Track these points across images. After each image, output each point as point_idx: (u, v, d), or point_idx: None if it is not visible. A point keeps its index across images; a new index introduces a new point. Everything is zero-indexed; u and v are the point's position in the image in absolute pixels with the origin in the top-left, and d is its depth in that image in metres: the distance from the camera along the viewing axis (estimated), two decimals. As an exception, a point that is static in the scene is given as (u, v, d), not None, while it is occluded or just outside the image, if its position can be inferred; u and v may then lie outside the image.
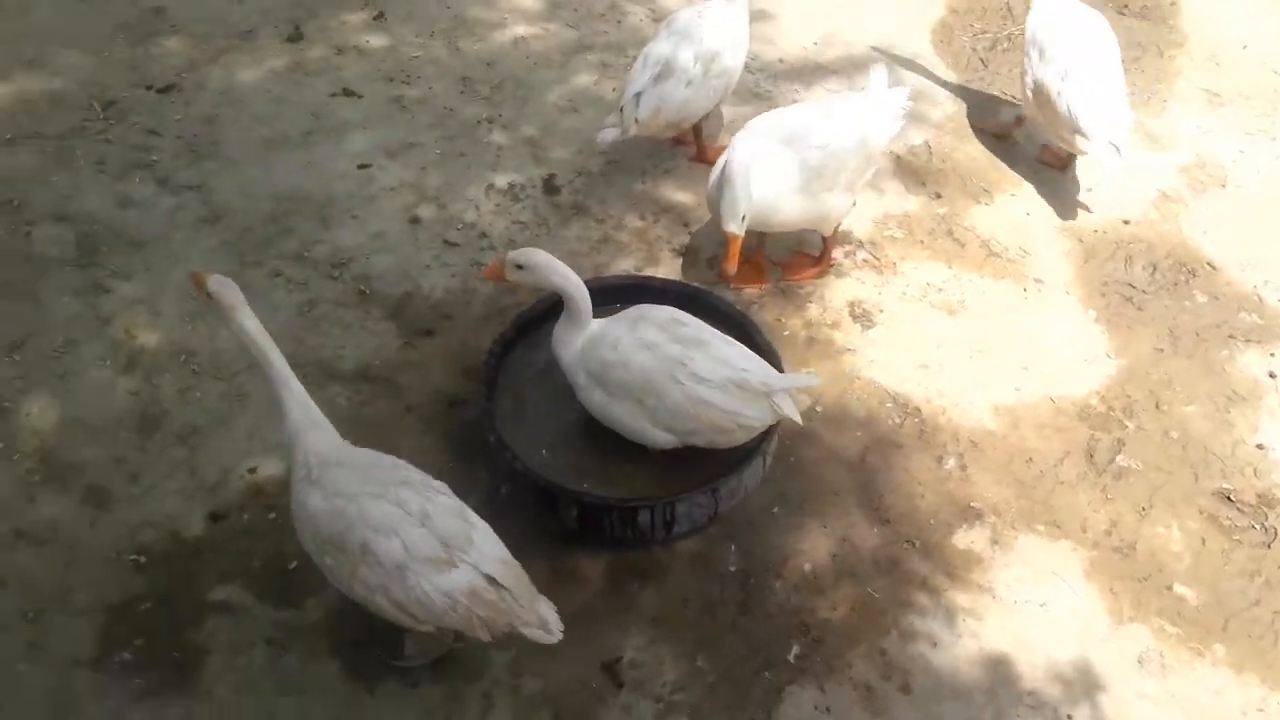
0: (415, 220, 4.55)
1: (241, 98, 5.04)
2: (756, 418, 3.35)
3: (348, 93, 5.10)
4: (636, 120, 4.36)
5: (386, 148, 4.86)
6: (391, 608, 2.89)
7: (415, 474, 3.01)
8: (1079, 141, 4.50)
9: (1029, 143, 5.08)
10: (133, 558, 3.46)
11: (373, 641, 3.26)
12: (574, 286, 3.42)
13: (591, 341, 3.45)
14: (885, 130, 4.07)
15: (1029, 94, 4.70)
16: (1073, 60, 4.50)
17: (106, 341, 4.03)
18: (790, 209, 4.00)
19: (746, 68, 5.14)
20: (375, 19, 5.54)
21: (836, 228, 4.30)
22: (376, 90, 5.14)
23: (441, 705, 3.18)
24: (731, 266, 3.82)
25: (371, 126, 4.96)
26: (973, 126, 5.16)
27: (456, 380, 3.96)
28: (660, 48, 4.41)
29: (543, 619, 2.93)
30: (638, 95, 4.36)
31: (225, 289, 2.98)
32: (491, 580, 2.87)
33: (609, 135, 4.41)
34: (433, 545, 2.84)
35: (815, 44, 5.57)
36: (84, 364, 3.96)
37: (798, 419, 3.38)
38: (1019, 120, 5.05)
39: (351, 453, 3.05)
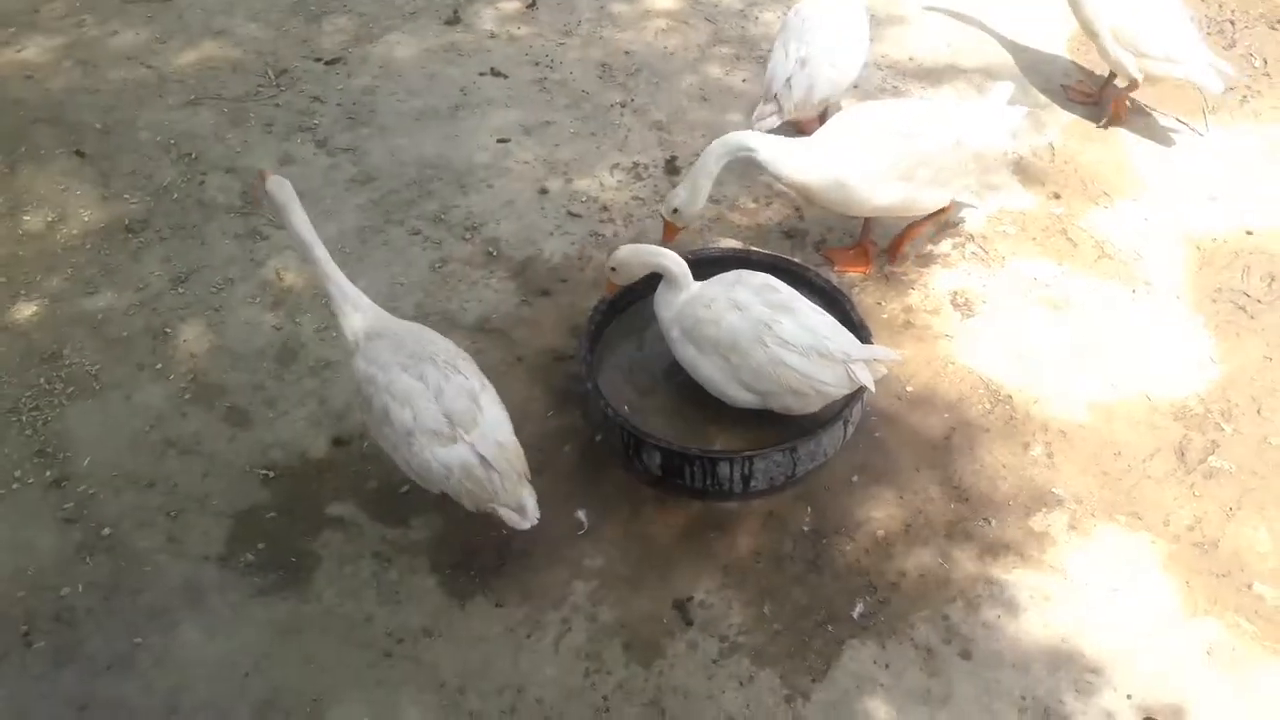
0: (544, 191, 4.80)
1: (399, 72, 5.41)
2: (833, 384, 3.47)
3: (495, 73, 5.41)
4: (795, 103, 4.52)
5: (525, 125, 5.14)
6: (405, 466, 3.27)
7: (444, 350, 3.31)
8: (1176, 70, 4.76)
9: (1151, 146, 5.02)
10: (263, 472, 3.80)
11: (467, 562, 3.51)
12: (668, 259, 3.63)
13: (690, 299, 3.63)
14: (987, 140, 4.13)
15: (1108, 46, 4.82)
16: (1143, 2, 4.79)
17: (259, 281, 4.42)
18: (870, 193, 4.04)
19: (877, 65, 5.26)
20: (528, 7, 5.84)
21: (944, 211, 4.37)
22: (522, 72, 5.43)
23: (524, 624, 3.40)
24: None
25: (514, 105, 5.25)
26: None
27: (564, 338, 4.19)
28: (794, 34, 4.58)
29: (521, 504, 3.20)
30: (789, 80, 4.51)
31: (280, 188, 3.36)
32: (483, 460, 3.15)
33: (768, 123, 4.53)
34: (439, 420, 3.15)
35: (948, 46, 5.61)
36: (237, 299, 4.35)
37: (872, 387, 3.48)
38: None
39: (390, 324, 3.40)
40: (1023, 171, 4.92)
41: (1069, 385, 4.08)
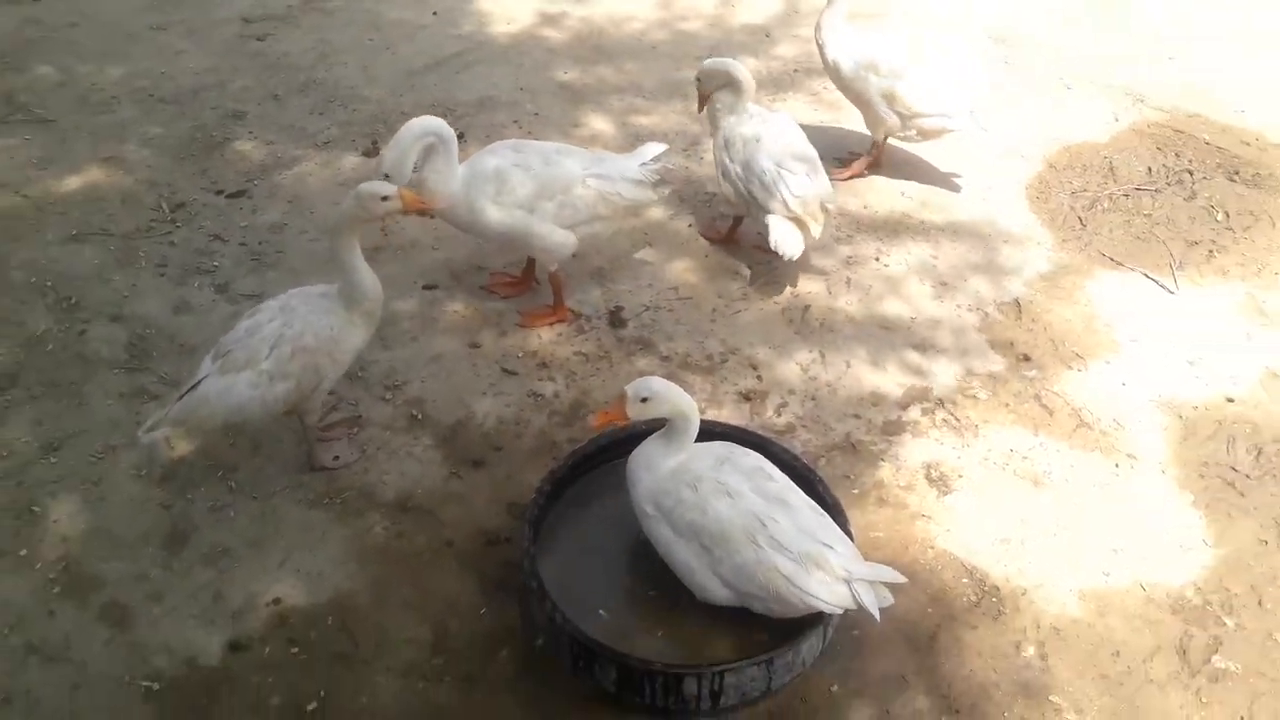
0: (475, 345, 4.56)
1: (310, 207, 5.16)
2: (827, 602, 3.21)
3: (420, 211, 5.17)
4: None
5: (455, 269, 4.91)
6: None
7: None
8: (945, 123, 5.30)
9: (1120, 303, 4.99)
10: (145, 684, 3.39)
11: None
12: (691, 410, 3.41)
13: (671, 473, 3.40)
14: (601, 183, 4.41)
15: (883, 113, 5.31)
16: (908, 62, 5.29)
17: (145, 450, 4.05)
18: (488, 218, 4.34)
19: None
20: (459, 137, 5.65)
21: (535, 265, 4.72)
22: (449, 210, 5.21)
23: None
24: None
25: (442, 247, 5.03)
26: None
27: (501, 516, 3.90)
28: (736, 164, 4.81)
29: None
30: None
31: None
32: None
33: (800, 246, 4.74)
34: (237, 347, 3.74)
35: (903, 195, 5.59)
36: (120, 472, 3.98)
37: (876, 615, 3.24)
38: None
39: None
40: (989, 330, 4.83)
41: (1058, 572, 3.90)
